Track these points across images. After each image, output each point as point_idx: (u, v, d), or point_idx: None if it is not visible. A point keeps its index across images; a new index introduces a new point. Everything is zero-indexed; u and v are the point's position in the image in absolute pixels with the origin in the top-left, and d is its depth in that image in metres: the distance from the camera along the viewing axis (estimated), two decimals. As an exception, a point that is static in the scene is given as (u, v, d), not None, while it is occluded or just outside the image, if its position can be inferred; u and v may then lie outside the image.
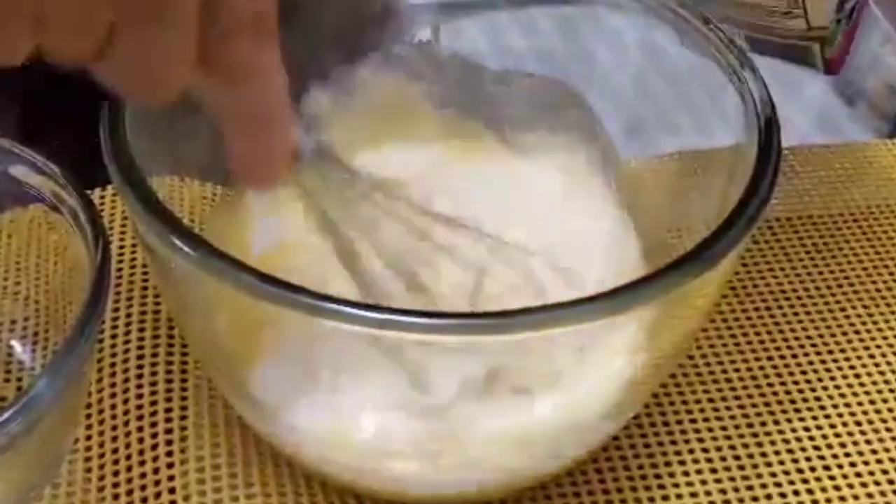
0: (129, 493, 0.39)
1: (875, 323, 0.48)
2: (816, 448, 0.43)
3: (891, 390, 0.45)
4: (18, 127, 0.54)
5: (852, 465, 0.42)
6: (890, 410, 0.45)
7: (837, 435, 0.43)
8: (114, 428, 0.41)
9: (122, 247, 0.48)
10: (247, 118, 0.31)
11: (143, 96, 0.31)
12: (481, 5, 0.50)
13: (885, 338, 0.47)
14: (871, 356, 0.47)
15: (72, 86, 0.45)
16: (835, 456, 0.43)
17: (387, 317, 0.31)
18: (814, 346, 0.47)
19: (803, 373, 0.46)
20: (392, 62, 0.46)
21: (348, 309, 0.31)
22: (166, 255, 0.33)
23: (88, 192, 0.48)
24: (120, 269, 0.47)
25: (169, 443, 0.40)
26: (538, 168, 0.47)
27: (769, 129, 0.38)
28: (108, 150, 0.35)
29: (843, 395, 0.45)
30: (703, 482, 0.41)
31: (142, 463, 0.40)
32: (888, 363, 0.46)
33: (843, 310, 0.48)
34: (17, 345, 0.43)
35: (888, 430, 0.44)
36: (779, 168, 0.37)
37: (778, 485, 0.41)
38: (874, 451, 0.43)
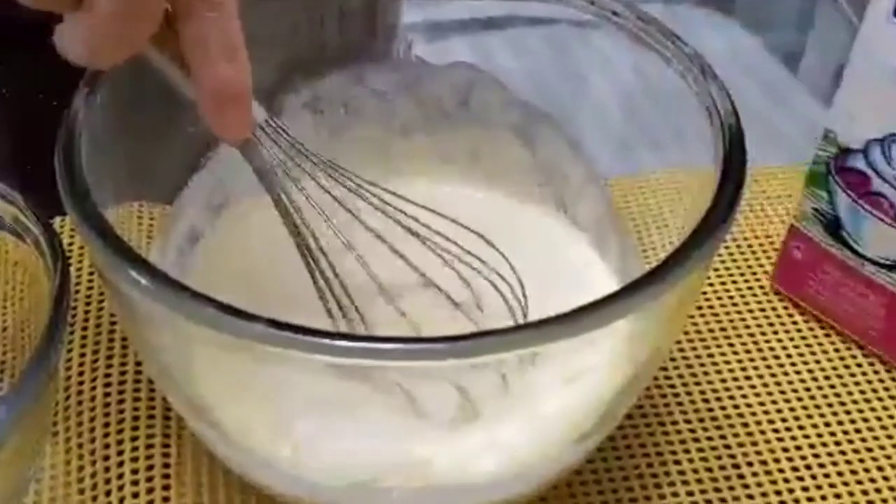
0: (95, 522, 0.39)
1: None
2: (795, 469, 0.42)
3: (866, 400, 0.45)
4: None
5: (826, 475, 0.42)
6: (865, 420, 0.44)
7: (816, 455, 0.43)
8: (80, 456, 0.41)
9: (91, 273, 0.47)
10: (214, 48, 0.33)
11: (111, 51, 0.33)
12: (470, 25, 0.50)
13: (860, 347, 0.47)
14: (847, 366, 0.47)
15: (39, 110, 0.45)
16: (808, 466, 0.43)
17: (364, 345, 0.31)
18: (789, 356, 0.47)
19: (777, 384, 0.46)
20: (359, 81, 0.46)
21: (326, 341, 0.30)
22: (119, 285, 0.33)
23: (60, 218, 0.48)
24: (89, 297, 0.46)
25: (135, 471, 0.40)
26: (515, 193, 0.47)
27: (733, 139, 0.37)
28: (61, 179, 0.34)
29: (817, 406, 0.45)
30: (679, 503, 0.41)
31: (108, 492, 0.39)
32: (859, 368, 0.46)
33: (818, 321, 0.48)
34: (-17, 374, 0.42)
35: (861, 438, 0.44)
36: (743, 179, 0.36)
37: (750, 497, 0.41)
38: (848, 462, 0.43)
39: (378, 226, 0.40)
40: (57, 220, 0.48)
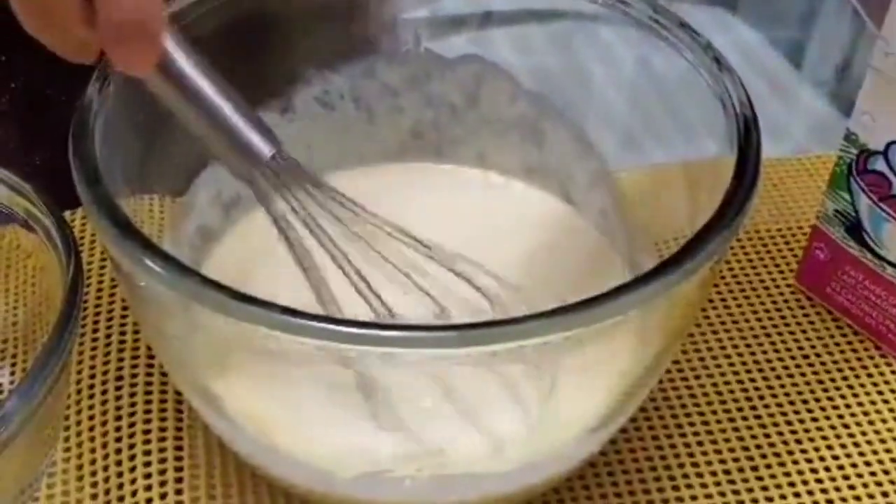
0: (108, 515, 0.39)
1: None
2: (809, 461, 0.42)
3: (884, 401, 0.45)
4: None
5: (840, 468, 0.42)
6: (878, 412, 0.44)
7: (830, 447, 0.43)
8: (92, 450, 0.41)
9: (103, 264, 0.47)
10: None
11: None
12: (474, 22, 0.50)
13: (878, 347, 0.47)
14: (864, 366, 0.46)
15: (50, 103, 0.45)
16: (822, 458, 0.42)
17: (360, 331, 0.31)
18: (801, 348, 0.47)
19: (790, 376, 0.45)
20: (369, 75, 0.46)
21: (326, 325, 0.30)
22: (133, 273, 0.33)
23: (70, 211, 0.48)
24: (100, 288, 0.46)
25: (147, 464, 0.40)
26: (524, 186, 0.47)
27: (748, 129, 0.37)
28: (75, 167, 0.34)
29: (835, 407, 0.44)
30: (693, 497, 0.41)
31: (120, 486, 0.39)
32: (877, 368, 0.46)
33: (835, 320, 0.48)
34: (-6, 367, 0.42)
35: (875, 430, 0.43)
36: (759, 170, 0.36)
37: (769, 500, 0.41)
38: (862, 454, 0.43)
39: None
40: (67, 214, 0.48)
